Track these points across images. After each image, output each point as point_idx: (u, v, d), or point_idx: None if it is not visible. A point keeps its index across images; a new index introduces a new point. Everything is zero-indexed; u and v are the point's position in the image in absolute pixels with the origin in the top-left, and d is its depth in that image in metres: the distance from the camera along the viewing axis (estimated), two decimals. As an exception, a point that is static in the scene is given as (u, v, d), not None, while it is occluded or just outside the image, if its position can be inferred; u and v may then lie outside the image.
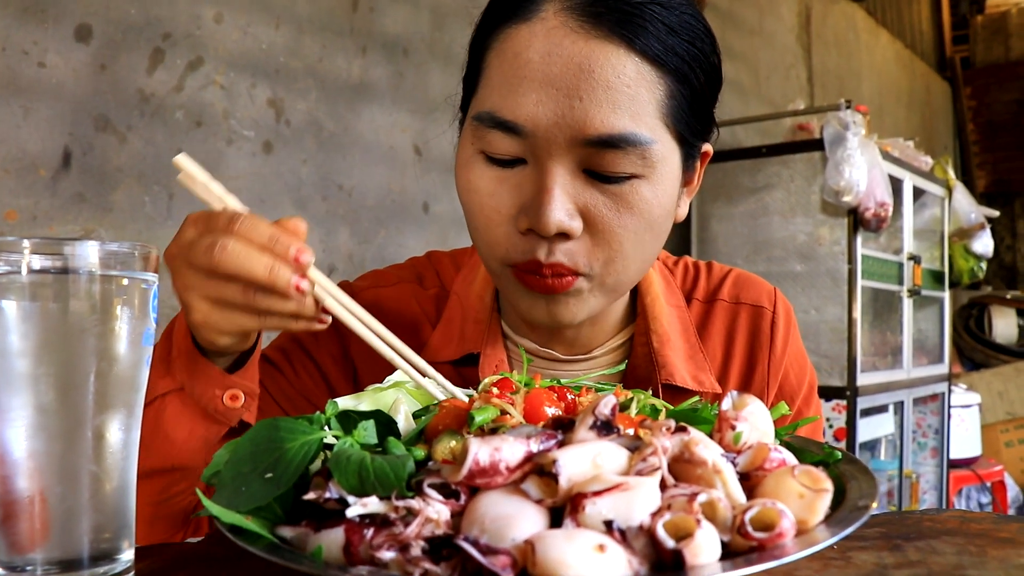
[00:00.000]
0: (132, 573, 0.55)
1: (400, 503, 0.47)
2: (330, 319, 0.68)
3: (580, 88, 0.74)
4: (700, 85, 0.80)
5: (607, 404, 0.51)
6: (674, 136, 0.80)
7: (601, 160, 0.75)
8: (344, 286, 1.02)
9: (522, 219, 0.77)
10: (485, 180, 0.79)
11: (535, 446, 0.49)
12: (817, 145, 3.00)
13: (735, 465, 0.53)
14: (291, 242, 0.64)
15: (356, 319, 0.68)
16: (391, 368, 0.74)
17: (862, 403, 3.05)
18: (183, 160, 0.66)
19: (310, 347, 0.97)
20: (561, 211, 0.75)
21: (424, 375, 0.70)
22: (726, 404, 0.58)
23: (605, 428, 0.51)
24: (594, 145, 0.74)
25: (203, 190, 0.67)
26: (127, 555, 0.55)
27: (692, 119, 0.81)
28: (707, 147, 0.88)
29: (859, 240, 3.00)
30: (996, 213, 4.36)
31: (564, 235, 0.77)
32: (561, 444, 0.50)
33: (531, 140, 0.75)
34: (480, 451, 0.47)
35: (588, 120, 0.73)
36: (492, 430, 0.55)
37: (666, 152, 0.78)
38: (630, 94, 0.74)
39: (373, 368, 0.93)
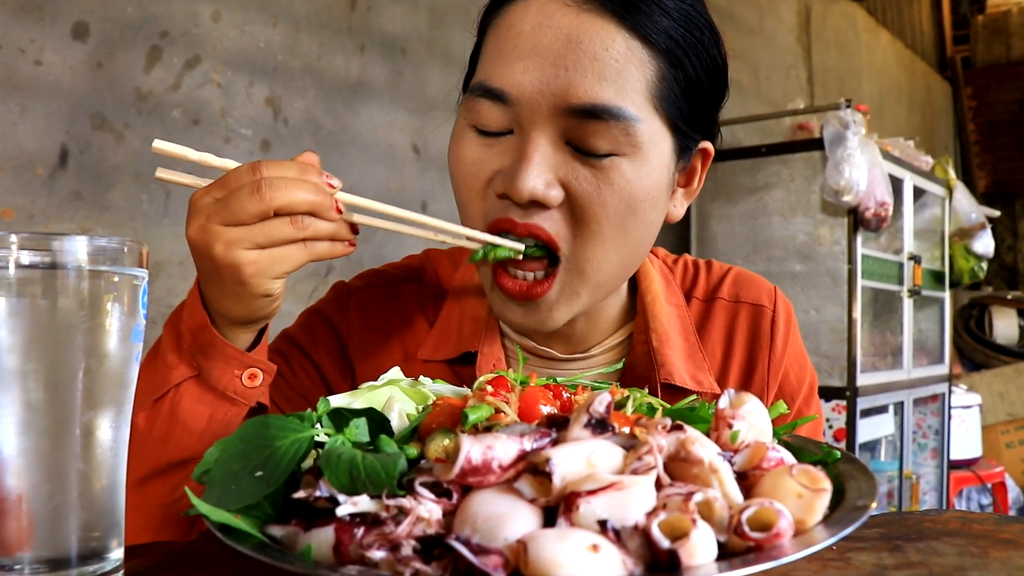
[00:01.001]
0: (121, 572, 0.54)
1: (391, 502, 0.46)
2: (356, 240, 0.74)
3: (567, 58, 0.74)
4: (696, 74, 0.80)
5: (602, 402, 0.51)
6: (664, 120, 0.79)
7: (583, 132, 0.75)
8: (340, 285, 1.01)
9: (498, 182, 0.78)
10: (471, 150, 0.80)
11: (529, 444, 0.48)
12: (817, 144, 2.99)
13: (732, 464, 0.52)
14: (317, 171, 0.69)
15: (388, 218, 0.75)
16: (388, 367, 0.73)
17: (862, 403, 3.04)
18: (162, 144, 0.66)
19: (308, 347, 0.96)
20: (537, 178, 0.75)
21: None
22: (723, 402, 0.58)
23: (600, 426, 0.50)
24: (577, 115, 0.75)
25: (191, 179, 0.70)
26: (116, 554, 0.54)
27: (685, 106, 0.80)
28: (707, 145, 0.87)
29: (859, 240, 2.99)
30: (997, 213, 4.35)
31: (540, 205, 0.77)
32: (555, 442, 0.49)
33: (516, 108, 0.76)
34: (472, 449, 0.46)
35: (572, 89, 0.74)
36: (486, 428, 0.54)
37: (653, 135, 0.78)
38: (617, 68, 0.75)
39: (371, 367, 0.92)
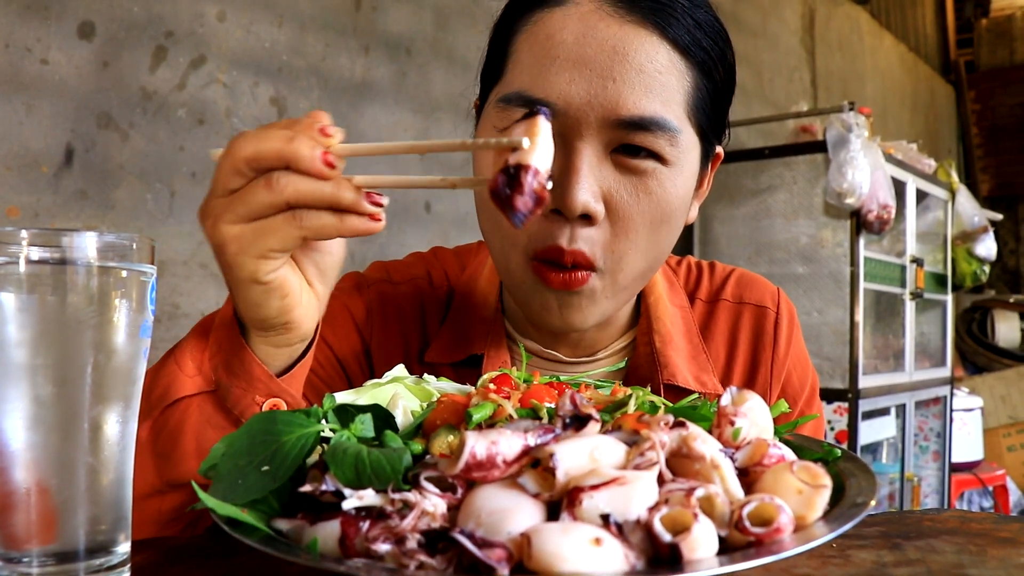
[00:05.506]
0: (128, 566, 0.55)
1: (396, 496, 0.46)
2: (383, 216, 0.59)
3: (614, 69, 0.74)
4: (720, 83, 0.82)
5: (565, 401, 0.51)
6: (696, 130, 0.80)
7: (629, 143, 0.76)
8: (357, 275, 1.00)
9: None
10: None
11: (532, 440, 0.48)
12: (820, 147, 2.99)
13: (733, 460, 0.53)
14: (313, 120, 0.57)
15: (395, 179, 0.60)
16: (400, 362, 0.73)
17: (864, 406, 3.04)
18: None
19: (332, 342, 0.95)
20: (587, 192, 0.75)
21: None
22: (725, 399, 0.58)
23: (577, 422, 0.51)
24: (625, 127, 0.75)
25: None
26: (123, 548, 0.55)
27: (712, 116, 0.82)
28: (719, 149, 0.89)
29: (861, 242, 2.99)
30: (999, 217, 4.36)
31: (587, 219, 0.76)
32: (558, 438, 0.50)
33: (561, 119, 0.75)
34: (477, 444, 0.47)
35: (621, 101, 0.74)
36: (490, 424, 0.55)
37: (689, 144, 0.79)
38: (661, 80, 0.75)
39: (384, 359, 0.92)
